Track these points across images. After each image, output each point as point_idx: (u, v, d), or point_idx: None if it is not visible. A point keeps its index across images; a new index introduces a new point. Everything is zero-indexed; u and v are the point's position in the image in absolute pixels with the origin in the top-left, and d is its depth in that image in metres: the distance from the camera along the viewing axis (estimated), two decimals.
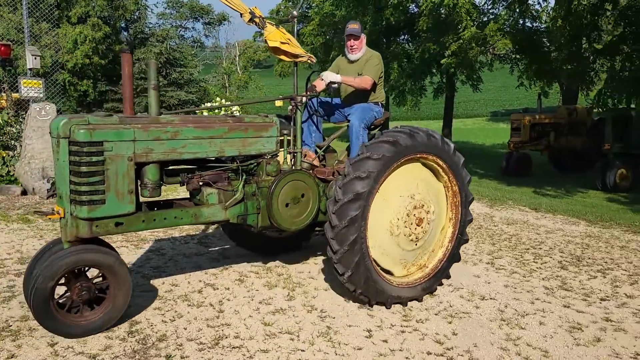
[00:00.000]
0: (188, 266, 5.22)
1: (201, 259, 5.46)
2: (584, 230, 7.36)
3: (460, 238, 4.70)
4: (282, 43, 4.51)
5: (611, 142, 11.74)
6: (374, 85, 5.02)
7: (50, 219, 3.86)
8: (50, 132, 3.69)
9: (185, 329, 3.82)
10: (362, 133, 4.80)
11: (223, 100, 24.07)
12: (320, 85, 5.18)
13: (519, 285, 4.93)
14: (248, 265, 5.29)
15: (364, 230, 4.07)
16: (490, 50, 15.47)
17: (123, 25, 26.04)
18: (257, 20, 4.43)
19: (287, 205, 4.41)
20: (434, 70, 21.56)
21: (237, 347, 3.57)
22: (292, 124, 4.67)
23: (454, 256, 4.67)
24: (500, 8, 16.33)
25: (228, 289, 4.61)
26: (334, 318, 4.06)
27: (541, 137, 14.35)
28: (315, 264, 5.37)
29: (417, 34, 17.68)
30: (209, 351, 3.50)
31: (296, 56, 4.64)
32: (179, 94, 24.08)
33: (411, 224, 4.34)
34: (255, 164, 4.44)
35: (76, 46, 21.68)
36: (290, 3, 28.40)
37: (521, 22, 15.78)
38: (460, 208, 4.65)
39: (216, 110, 10.84)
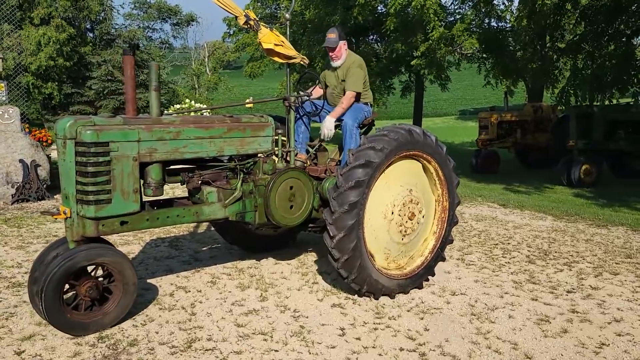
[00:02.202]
0: (159, 270, 5.25)
1: (172, 262, 5.50)
2: (550, 224, 7.73)
3: (439, 254, 4.89)
4: (276, 45, 4.66)
5: (575, 138, 12.26)
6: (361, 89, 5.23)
7: (56, 219, 3.90)
8: (56, 134, 3.76)
9: (157, 332, 3.82)
10: (355, 132, 5.01)
11: (193, 102, 23.95)
12: (317, 92, 5.36)
13: (488, 280, 5.12)
14: (220, 267, 5.38)
15: (362, 216, 4.25)
16: (458, 50, 15.95)
17: (88, 26, 25.58)
18: (251, 22, 4.58)
19: (283, 202, 4.58)
20: (402, 70, 22.00)
21: (210, 349, 3.60)
22: (286, 123, 4.85)
23: (430, 268, 4.83)
24: (467, 7, 16.85)
25: (200, 291, 4.66)
26: (307, 317, 4.15)
27: (508, 135, 14.90)
28: (288, 264, 5.49)
29: (385, 34, 18.08)
30: (181, 354, 3.51)
31: (289, 57, 4.81)
32: (147, 96, 23.77)
33: (405, 214, 4.55)
34: (252, 162, 4.60)
35: (40, 48, 21.26)
36: (259, 4, 28.40)
37: (487, 21, 16.32)
38: (445, 225, 4.88)
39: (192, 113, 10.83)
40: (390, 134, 4.37)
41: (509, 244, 6.54)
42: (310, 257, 5.75)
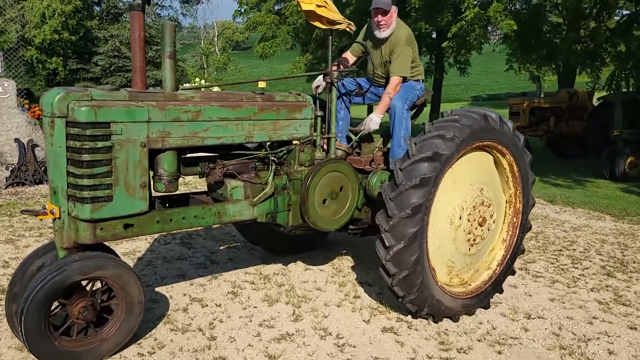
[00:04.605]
0: (169, 274, 4.44)
1: (185, 265, 4.68)
2: (612, 226, 6.83)
3: (509, 266, 4.03)
4: (318, 6, 3.77)
5: (621, 127, 11.27)
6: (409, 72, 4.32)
7: (41, 219, 3.08)
8: (41, 110, 2.91)
9: None
10: (406, 116, 4.13)
11: (203, 81, 23.07)
12: (352, 58, 4.48)
13: (566, 298, 4.25)
14: (241, 272, 4.55)
15: (427, 223, 3.40)
16: (493, 31, 14.84)
17: None
18: None
19: (324, 201, 3.74)
20: (424, 49, 20.90)
21: None
22: (327, 104, 3.99)
23: (498, 284, 3.98)
24: None
25: (219, 305, 3.86)
26: (354, 347, 3.34)
27: (540, 122, 13.90)
28: (320, 270, 4.66)
29: (408, 13, 17.00)
30: None
31: (333, 22, 3.92)
32: (156, 74, 22.91)
33: (474, 220, 3.69)
34: (286, 151, 3.74)
35: (44, 20, 20.36)
36: None
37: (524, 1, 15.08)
38: (517, 231, 4.02)
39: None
40: (463, 120, 3.49)
41: (574, 250, 5.65)
42: (345, 262, 4.91)
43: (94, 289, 3.08)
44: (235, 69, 40.22)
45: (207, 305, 3.86)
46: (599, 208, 7.87)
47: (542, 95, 14.86)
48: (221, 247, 5.23)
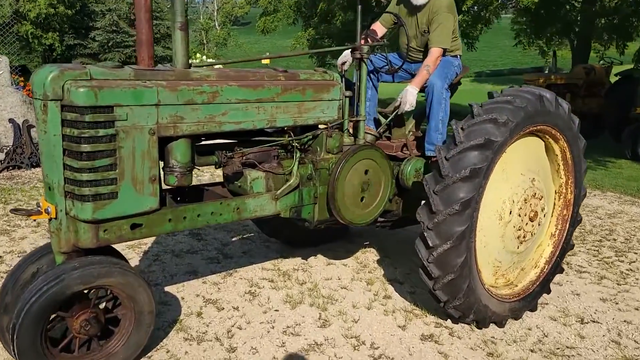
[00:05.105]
0: (179, 271, 4.04)
1: (196, 260, 4.28)
2: None
3: (558, 264, 3.63)
4: None
5: None
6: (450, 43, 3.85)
7: (34, 220, 2.66)
8: (32, 90, 2.47)
9: None
10: (445, 96, 3.68)
11: (204, 58, 22.39)
12: (381, 30, 4.02)
13: (619, 298, 3.86)
14: (258, 268, 4.15)
15: (475, 221, 2.99)
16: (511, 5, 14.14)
17: None
18: None
19: (355, 192, 3.32)
20: None
21: None
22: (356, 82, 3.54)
23: (546, 284, 3.59)
24: None
25: (237, 308, 3.47)
26: (392, 359, 2.99)
27: None
28: (344, 265, 4.26)
29: None
30: None
31: None
32: (155, 50, 22.23)
33: (525, 214, 3.27)
34: (312, 137, 3.30)
35: None
36: None
37: None
38: (567, 225, 3.61)
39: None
40: (516, 101, 3.04)
41: (614, 240, 5.25)
42: (369, 256, 4.51)
43: (97, 297, 2.68)
44: (235, 45, 39.37)
45: (223, 309, 3.48)
46: (629, 192, 7.45)
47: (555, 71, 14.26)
48: (234, 239, 4.83)
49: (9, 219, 5.18)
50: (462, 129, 2.98)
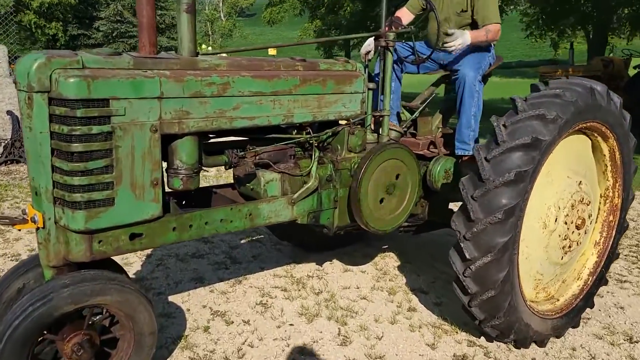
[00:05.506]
0: (185, 277, 3.73)
1: (202, 265, 3.97)
2: None
3: (602, 275, 3.29)
4: None
5: None
6: None
7: (19, 229, 2.34)
8: (15, 81, 2.14)
9: None
10: (478, 88, 3.33)
11: (209, 49, 22.07)
12: (407, 17, 3.67)
13: None
14: (269, 275, 3.84)
15: (519, 230, 2.65)
16: None
17: None
18: None
19: (380, 196, 2.98)
20: None
21: None
22: (380, 73, 3.19)
23: (589, 297, 3.24)
24: None
25: (248, 322, 3.16)
26: None
27: None
28: (362, 272, 3.94)
29: None
30: None
31: None
32: (160, 40, 21.91)
33: (571, 222, 2.92)
34: (332, 134, 2.96)
35: None
36: None
37: None
38: (613, 232, 3.27)
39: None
40: (566, 95, 2.69)
41: None
42: (389, 262, 4.18)
43: (92, 315, 2.37)
44: (241, 36, 38.96)
45: (233, 322, 3.16)
46: None
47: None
48: (242, 241, 4.51)
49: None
50: (504, 126, 2.63)
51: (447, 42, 3.24)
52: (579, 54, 20.81)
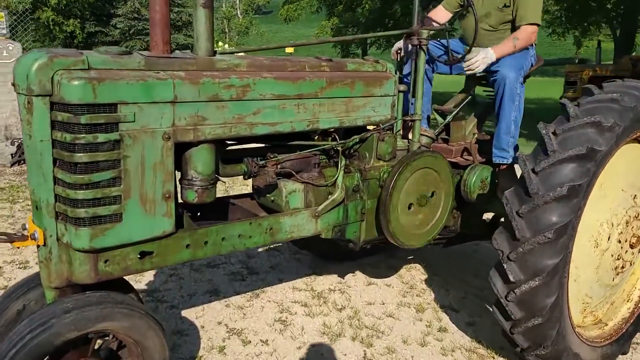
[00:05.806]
0: (199, 290, 3.53)
1: (217, 275, 3.77)
2: None
3: None
4: None
5: None
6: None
7: (18, 247, 2.14)
8: (14, 84, 1.93)
9: None
10: (519, 90, 3.06)
11: (226, 46, 21.92)
12: (442, 16, 3.41)
13: None
14: (288, 288, 3.61)
15: (570, 251, 2.38)
16: None
17: None
18: None
19: (409, 207, 2.73)
20: None
21: None
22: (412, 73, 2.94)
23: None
24: None
25: (266, 342, 2.94)
26: None
27: None
28: (387, 285, 3.69)
29: None
30: None
31: None
32: (176, 37, 21.82)
33: (625, 240, 2.65)
34: (359, 141, 2.72)
35: None
36: None
37: None
38: None
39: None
40: (624, 100, 2.42)
41: None
42: (415, 275, 3.93)
43: (98, 338, 2.16)
44: (257, 34, 38.85)
45: (250, 342, 2.94)
46: None
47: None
48: (260, 250, 4.28)
49: (14, 221, 4.73)
50: (554, 134, 2.36)
51: (466, 62, 3.01)
52: (603, 52, 20.33)
